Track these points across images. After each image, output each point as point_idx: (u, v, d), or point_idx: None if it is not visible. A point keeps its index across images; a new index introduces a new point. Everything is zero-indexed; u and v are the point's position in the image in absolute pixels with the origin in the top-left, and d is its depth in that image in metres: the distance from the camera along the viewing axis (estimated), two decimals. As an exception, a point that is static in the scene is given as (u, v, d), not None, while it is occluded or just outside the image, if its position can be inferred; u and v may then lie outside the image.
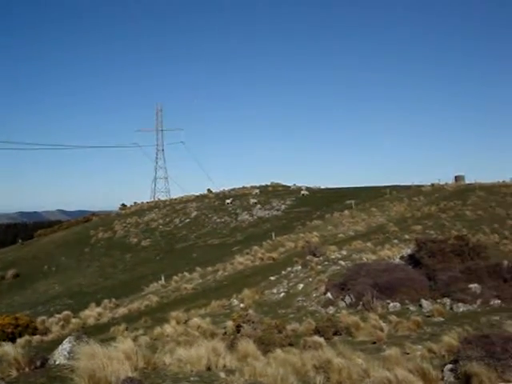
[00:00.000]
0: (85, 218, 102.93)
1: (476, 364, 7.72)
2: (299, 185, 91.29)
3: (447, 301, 20.29)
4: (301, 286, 27.37)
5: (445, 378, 8.19)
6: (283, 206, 77.22)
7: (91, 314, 33.00)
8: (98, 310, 35.15)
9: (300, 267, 31.49)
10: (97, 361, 6.76)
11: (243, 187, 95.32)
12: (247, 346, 9.42)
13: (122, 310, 33.88)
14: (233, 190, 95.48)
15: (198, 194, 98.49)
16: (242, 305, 26.24)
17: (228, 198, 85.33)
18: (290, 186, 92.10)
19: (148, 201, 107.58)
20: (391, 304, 20.86)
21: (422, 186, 69.33)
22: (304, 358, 8.47)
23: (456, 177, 77.41)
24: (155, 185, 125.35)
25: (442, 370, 8.43)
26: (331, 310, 21.95)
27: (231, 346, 10.28)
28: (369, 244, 34.17)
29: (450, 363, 8.63)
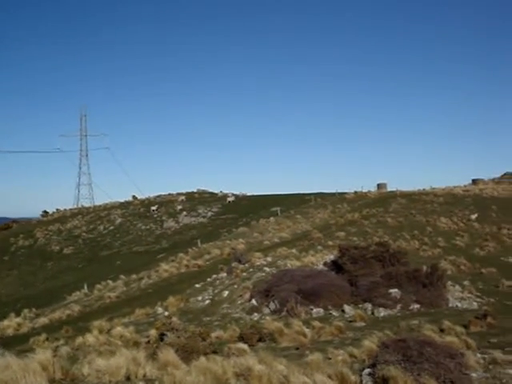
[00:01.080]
0: (4, 225, 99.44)
1: (393, 368, 7.90)
2: (226, 192, 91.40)
3: (369, 306, 20.74)
4: (226, 293, 27.33)
5: (363, 382, 8.34)
6: (209, 213, 77.15)
7: (10, 324, 31.79)
8: (18, 320, 33.90)
9: (225, 274, 31.46)
10: (10, 373, 6.51)
11: (169, 194, 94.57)
12: (168, 354, 9.31)
13: (42, 320, 32.85)
14: (159, 196, 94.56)
15: (123, 200, 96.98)
16: (166, 313, 25.94)
17: (154, 205, 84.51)
18: (216, 193, 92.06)
19: (71, 208, 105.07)
20: (315, 310, 21.12)
21: (346, 193, 70.68)
22: (225, 365, 8.44)
23: (379, 184, 79.26)
24: (79, 191, 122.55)
25: (361, 375, 8.58)
26: (256, 316, 21.99)
27: (152, 355, 10.14)
28: (294, 250, 34.48)
29: (368, 367, 8.79)
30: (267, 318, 20.87)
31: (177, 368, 8.32)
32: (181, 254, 46.75)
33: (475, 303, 22.79)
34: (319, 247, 35.06)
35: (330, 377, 7.84)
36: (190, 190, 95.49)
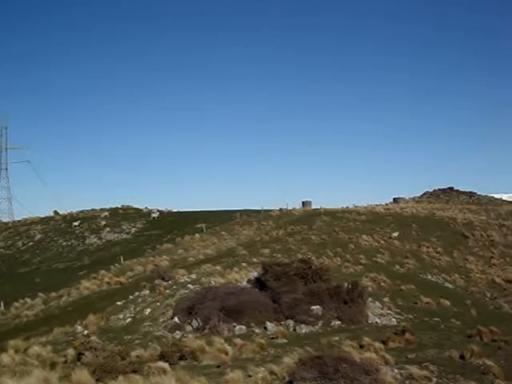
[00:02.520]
0: None
1: (309, 384, 7.93)
2: (151, 207, 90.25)
3: (291, 323, 20.82)
4: (148, 310, 26.90)
5: (280, 400, 8.32)
6: (133, 229, 76.00)
7: None
8: None
9: (148, 291, 30.99)
10: None
11: (92, 209, 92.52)
12: (82, 375, 9.03)
13: (-46, 340, 31.41)
14: (81, 212, 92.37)
15: (43, 215, 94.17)
16: (86, 331, 25.24)
17: (76, 221, 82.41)
18: (141, 209, 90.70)
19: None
20: (237, 327, 21.02)
21: (271, 210, 71.14)
22: (141, 385, 8.26)
23: (303, 202, 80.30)
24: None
25: (278, 392, 8.56)
26: (178, 334, 21.69)
27: (66, 376, 9.81)
28: (218, 267, 34.34)
29: (285, 384, 8.79)
30: (189, 335, 20.61)
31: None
32: (103, 271, 45.72)
33: (394, 319, 23.26)
34: (244, 264, 35.06)
35: (246, 395, 7.76)
36: (114, 206, 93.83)
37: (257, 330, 20.75)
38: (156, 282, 32.45)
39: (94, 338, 21.07)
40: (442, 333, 20.24)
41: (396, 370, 13.19)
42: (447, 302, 28.62)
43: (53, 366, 17.08)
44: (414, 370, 13.04)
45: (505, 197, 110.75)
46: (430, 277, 36.64)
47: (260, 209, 75.68)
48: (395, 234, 50.06)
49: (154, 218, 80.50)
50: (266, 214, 68.64)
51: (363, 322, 21.68)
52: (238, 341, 18.06)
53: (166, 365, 14.39)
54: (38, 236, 79.18)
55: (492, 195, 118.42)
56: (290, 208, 72.37)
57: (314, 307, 21.37)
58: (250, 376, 12.28)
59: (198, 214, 79.24)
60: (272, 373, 12.52)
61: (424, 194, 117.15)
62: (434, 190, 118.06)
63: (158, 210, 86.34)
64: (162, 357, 16.70)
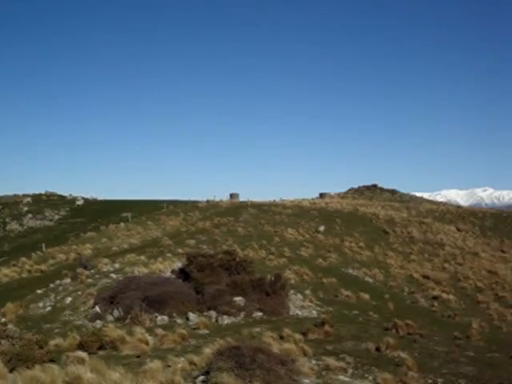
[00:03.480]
0: None
1: (226, 375, 8.03)
2: (75, 195, 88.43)
3: (213, 313, 20.92)
4: (69, 299, 26.43)
5: (197, 389, 8.40)
6: (57, 217, 74.35)
7: None
8: None
9: (70, 280, 30.44)
10: None
11: (14, 195, 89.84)
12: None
13: None
14: (2, 197, 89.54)
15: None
16: (3, 319, 24.60)
17: (-4, 206, 79.96)
18: (65, 196, 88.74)
19: None
20: (159, 317, 20.94)
21: (199, 201, 71.01)
22: (57, 374, 8.14)
23: (231, 194, 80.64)
24: None
25: (195, 382, 8.64)
26: (99, 324, 21.41)
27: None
28: (142, 257, 34.03)
29: (202, 375, 8.87)
30: (110, 325, 20.33)
31: (1, 378, 7.91)
32: (23, 259, 44.53)
33: (315, 311, 23.73)
34: (168, 254, 34.87)
35: (162, 384, 7.80)
36: (37, 192, 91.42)
37: (179, 321, 20.74)
38: (78, 270, 31.91)
39: (11, 326, 20.58)
40: (360, 325, 20.77)
41: (314, 361, 13.50)
42: (366, 296, 29.36)
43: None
44: (331, 361, 13.38)
45: (425, 195, 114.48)
46: (351, 271, 37.44)
47: (187, 200, 75.45)
48: (322, 228, 50.92)
49: (78, 205, 79.00)
50: (193, 205, 68.44)
51: (284, 314, 22.01)
52: (160, 331, 18.00)
53: (84, 354, 14.19)
54: (-44, 221, 76.43)
55: (413, 193, 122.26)
56: (217, 200, 72.45)
57: (236, 298, 21.54)
58: (170, 366, 12.29)
59: (123, 203, 78.22)
60: (192, 363, 12.57)
61: (349, 190, 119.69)
62: (359, 187, 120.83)
63: (83, 198, 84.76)
64: (81, 346, 16.48)
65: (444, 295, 35.38)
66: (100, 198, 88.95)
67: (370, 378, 12.58)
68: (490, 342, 20.78)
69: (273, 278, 22.98)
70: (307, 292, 27.45)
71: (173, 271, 27.45)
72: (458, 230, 69.11)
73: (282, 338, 16.34)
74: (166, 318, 20.97)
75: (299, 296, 26.02)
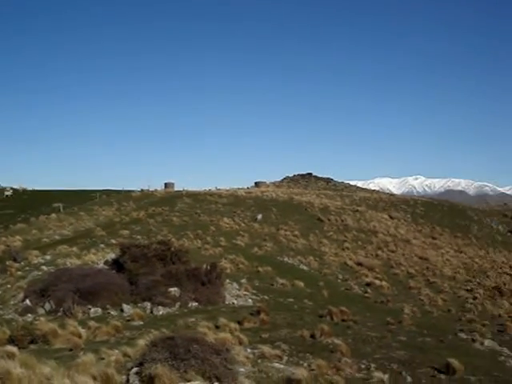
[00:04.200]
0: None
1: (160, 366, 7.90)
2: (4, 185, 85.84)
3: (148, 304, 20.66)
4: (-3, 293, 25.63)
5: (130, 381, 8.24)
6: (-16, 208, 71.98)
7: None
8: None
9: (-2, 273, 29.51)
10: None
11: None
12: None
13: None
14: None
15: None
16: None
17: None
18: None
19: None
20: (92, 309, 20.54)
21: (133, 191, 70.10)
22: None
23: (166, 183, 79.96)
24: None
25: (129, 374, 8.47)
26: (29, 317, 20.82)
27: None
28: (74, 249, 33.30)
29: (136, 366, 8.70)
30: (42, 318, 19.83)
31: None
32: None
33: (251, 300, 23.77)
34: (102, 245, 34.25)
35: (94, 378, 7.61)
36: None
37: (113, 313, 20.40)
38: (7, 263, 30.98)
39: None
40: (295, 313, 20.95)
41: (249, 350, 13.51)
42: (301, 284, 29.61)
43: None
44: (266, 349, 13.43)
45: (359, 184, 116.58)
46: (286, 259, 37.67)
47: (121, 189, 74.38)
48: (259, 217, 51.09)
49: (7, 195, 76.75)
50: (127, 194, 67.53)
51: (220, 303, 21.98)
52: (93, 323, 17.66)
53: (14, 349, 13.74)
54: None
55: (348, 182, 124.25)
56: (151, 189, 71.68)
57: (171, 289, 21.36)
58: (103, 359, 12.06)
59: (54, 193, 76.47)
60: (126, 355, 12.38)
61: (284, 178, 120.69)
62: (294, 176, 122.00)
63: (12, 188, 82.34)
64: (12, 341, 15.97)
65: (377, 282, 36.08)
66: (30, 188, 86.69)
67: (305, 364, 12.68)
68: (421, 327, 21.31)
69: (208, 268, 22.89)
70: (243, 281, 27.46)
71: (106, 262, 26.97)
72: (391, 217, 70.62)
73: (217, 327, 16.30)
74: (99, 310, 20.58)
75: (235, 285, 26.01)
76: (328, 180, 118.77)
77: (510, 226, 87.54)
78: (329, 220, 57.18)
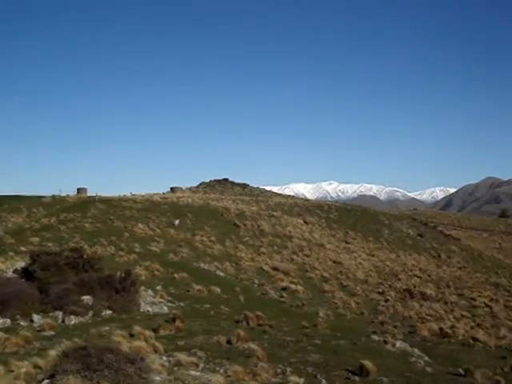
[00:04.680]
0: None
1: (72, 377, 7.66)
2: None
3: (59, 314, 20.03)
4: None
5: (40, 395, 7.95)
6: None
7: None
8: None
9: None
10: None
11: None
12: None
13: None
14: None
15: None
16: None
17: None
18: None
19: None
20: (1, 320, 19.71)
21: (44, 197, 67.97)
22: None
23: (78, 189, 78.03)
24: None
25: (39, 387, 8.18)
26: None
27: None
28: (-19, 257, 31.93)
29: (46, 378, 8.41)
30: None
31: None
32: None
33: (166, 307, 23.48)
34: (11, 253, 33.01)
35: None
36: None
37: (22, 323, 19.65)
38: None
39: None
40: (211, 319, 20.86)
41: (165, 358, 13.34)
42: (218, 289, 29.54)
43: None
44: (182, 356, 13.30)
45: (275, 189, 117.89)
46: (202, 265, 37.49)
47: (30, 195, 72.00)
48: (177, 222, 50.71)
49: None
50: (38, 200, 65.36)
51: (135, 311, 21.59)
52: (1, 334, 16.97)
53: None
54: None
55: (263, 187, 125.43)
56: (63, 195, 69.74)
57: (84, 297, 20.80)
58: (13, 371, 11.61)
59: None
60: (36, 366, 11.99)
61: (200, 184, 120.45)
62: (210, 181, 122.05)
63: None
64: None
65: (292, 286, 36.50)
66: None
67: (221, 371, 12.64)
68: (336, 330, 21.70)
69: (122, 275, 22.43)
70: (158, 288, 27.12)
71: (15, 271, 25.95)
72: (306, 222, 71.72)
73: (132, 335, 16.02)
74: (8, 320, 19.76)
75: (150, 292, 25.63)
76: (244, 185, 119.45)
77: (420, 229, 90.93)
78: (245, 225, 57.41)
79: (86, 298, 20.73)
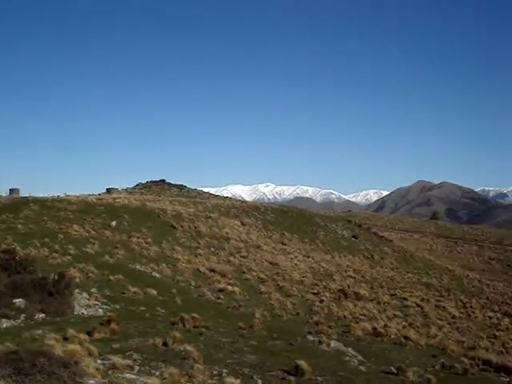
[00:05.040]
0: None
1: (3, 382, 7.52)
2: None
3: (-9, 317, 19.57)
4: None
5: (-31, 402, 7.76)
6: None
7: None
8: None
9: None
10: None
11: None
12: None
13: None
14: None
15: None
16: None
17: None
18: None
19: None
20: None
21: (-26, 197, 65.97)
22: None
23: (11, 189, 76.15)
24: None
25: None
26: None
27: None
28: None
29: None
30: None
31: None
32: None
33: (101, 310, 23.19)
34: None
35: None
36: None
37: (-50, 327, 19.10)
38: None
39: None
40: (147, 321, 20.72)
41: (99, 361, 13.19)
42: (154, 291, 29.31)
43: None
44: (117, 359, 13.18)
45: (212, 191, 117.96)
46: (138, 267, 37.10)
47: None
48: (114, 223, 50.06)
49: None
50: (-33, 201, 63.40)
51: (69, 314, 21.23)
52: None
53: None
54: None
55: (201, 189, 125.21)
56: (-5, 195, 67.84)
57: (16, 300, 20.32)
58: None
59: None
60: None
61: (137, 185, 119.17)
62: (147, 182, 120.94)
63: None
64: None
65: (229, 287, 36.57)
66: None
67: (157, 373, 12.61)
68: (272, 331, 21.90)
69: (56, 277, 22.03)
70: (93, 290, 26.73)
71: None
72: (243, 224, 71.98)
73: (66, 339, 15.75)
74: None
75: (85, 295, 25.25)
76: (181, 187, 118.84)
77: (354, 231, 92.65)
78: (182, 227, 57.18)
79: (19, 301, 20.26)
